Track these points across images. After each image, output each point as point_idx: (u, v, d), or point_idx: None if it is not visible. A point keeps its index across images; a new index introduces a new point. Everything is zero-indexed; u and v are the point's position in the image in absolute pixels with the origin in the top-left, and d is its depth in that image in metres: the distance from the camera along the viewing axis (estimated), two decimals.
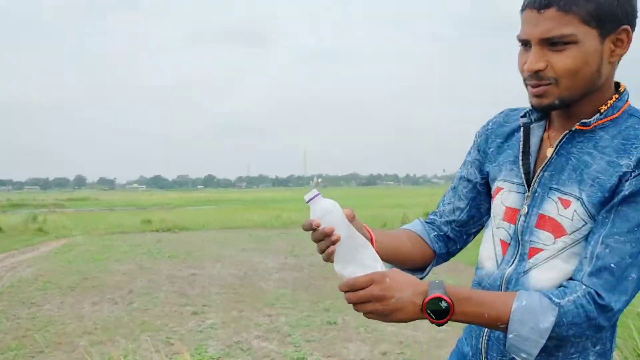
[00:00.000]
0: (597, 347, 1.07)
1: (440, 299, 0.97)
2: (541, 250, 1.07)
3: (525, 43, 1.04)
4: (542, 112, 1.12)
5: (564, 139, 1.07)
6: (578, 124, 1.05)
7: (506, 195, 1.16)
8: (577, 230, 1.04)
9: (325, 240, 1.01)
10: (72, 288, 7.04)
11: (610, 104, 1.06)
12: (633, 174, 0.98)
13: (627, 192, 0.98)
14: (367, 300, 0.97)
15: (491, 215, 1.21)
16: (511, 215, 1.14)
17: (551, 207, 1.06)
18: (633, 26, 1.02)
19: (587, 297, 0.97)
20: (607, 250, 0.98)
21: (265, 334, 4.87)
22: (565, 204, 1.05)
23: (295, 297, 6.32)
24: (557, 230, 1.05)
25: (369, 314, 0.99)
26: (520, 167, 1.13)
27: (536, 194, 1.10)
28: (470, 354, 1.20)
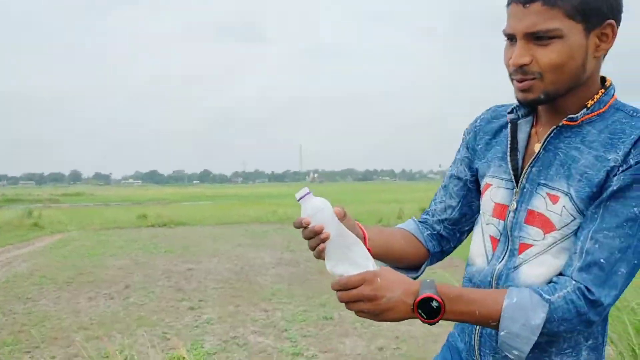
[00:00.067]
0: (590, 342, 1.08)
1: (431, 299, 0.97)
2: (531, 245, 1.08)
3: (511, 37, 1.04)
4: (528, 107, 1.12)
5: (552, 134, 1.08)
6: (565, 119, 1.05)
7: (495, 192, 1.16)
8: (566, 225, 1.04)
9: (315, 238, 1.02)
10: (67, 283, 7.03)
11: (597, 99, 1.06)
12: (621, 169, 0.98)
13: (615, 187, 0.98)
14: (358, 300, 0.98)
15: (480, 211, 1.21)
16: (500, 211, 1.14)
17: (540, 203, 1.07)
18: (618, 21, 1.02)
19: (577, 292, 0.98)
20: (597, 246, 0.98)
21: (262, 329, 4.88)
22: (554, 200, 1.05)
23: (291, 292, 6.33)
24: (546, 225, 1.06)
25: (360, 313, 1.00)
26: (509, 163, 1.13)
27: (525, 190, 1.10)
28: (464, 350, 1.20)
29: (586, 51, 1.01)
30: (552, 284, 1.02)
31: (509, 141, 1.14)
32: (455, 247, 1.34)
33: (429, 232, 1.30)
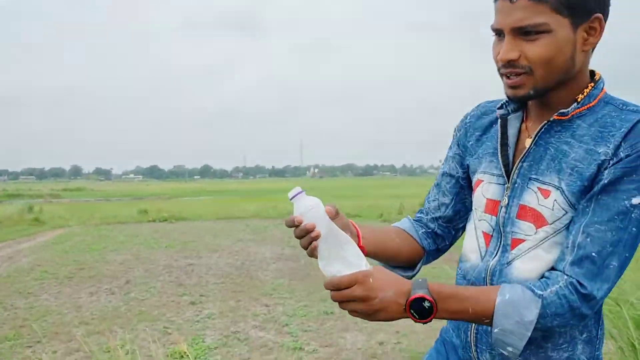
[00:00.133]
0: (584, 335, 1.09)
1: (423, 299, 0.97)
2: (523, 240, 1.08)
3: (499, 33, 1.04)
4: (518, 103, 1.12)
5: (542, 129, 1.08)
6: (556, 114, 1.05)
7: (486, 187, 1.16)
8: (558, 219, 1.04)
9: (306, 237, 1.02)
10: (69, 278, 7.05)
11: (587, 93, 1.06)
12: (612, 162, 0.98)
13: (606, 181, 0.98)
14: (350, 300, 0.98)
15: (473, 207, 1.21)
16: (492, 207, 1.14)
17: (531, 198, 1.07)
18: (606, 14, 1.02)
19: (570, 287, 0.98)
20: (588, 240, 0.98)
21: (263, 323, 4.90)
22: (545, 194, 1.05)
23: (292, 287, 6.34)
24: (538, 220, 1.06)
25: (353, 313, 1.00)
26: (499, 158, 1.13)
27: (516, 185, 1.10)
28: (461, 346, 1.20)
29: (574, 45, 1.01)
30: (544, 279, 1.02)
31: (499, 137, 1.14)
32: (451, 245, 1.34)
33: (424, 230, 1.30)
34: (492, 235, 1.14)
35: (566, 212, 1.03)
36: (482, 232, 1.16)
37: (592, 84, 1.07)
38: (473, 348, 1.16)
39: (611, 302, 3.08)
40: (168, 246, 10.01)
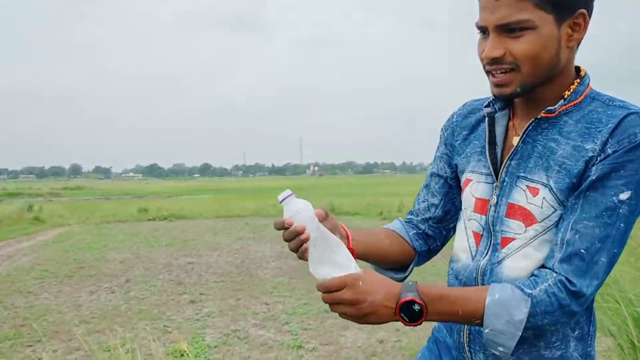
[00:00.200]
0: (576, 332, 1.09)
1: (413, 302, 0.97)
2: (513, 239, 1.07)
3: (484, 30, 1.04)
4: (504, 101, 1.12)
5: (530, 127, 1.07)
6: (544, 111, 1.05)
7: (475, 187, 1.16)
8: (547, 217, 1.04)
9: (295, 240, 1.02)
10: (69, 277, 7.05)
11: (573, 89, 1.06)
12: (599, 158, 0.98)
13: (594, 177, 0.98)
14: (340, 303, 0.98)
15: (462, 207, 1.21)
16: (481, 206, 1.14)
17: (520, 196, 1.07)
18: (590, 10, 1.02)
19: (559, 284, 0.98)
20: (577, 236, 0.98)
21: (263, 322, 4.90)
22: (534, 192, 1.05)
23: (292, 286, 6.35)
24: (528, 218, 1.06)
25: (343, 315, 1.00)
26: (487, 157, 1.13)
27: (504, 184, 1.09)
28: (454, 347, 1.20)
29: (559, 41, 1.01)
30: (533, 277, 1.02)
31: (487, 135, 1.14)
32: (442, 245, 1.33)
33: (415, 231, 1.29)
34: (482, 235, 1.14)
35: (555, 210, 1.03)
36: (472, 231, 1.16)
37: (578, 80, 1.07)
38: (466, 349, 1.16)
39: (610, 300, 3.08)
40: (168, 245, 10.02)
